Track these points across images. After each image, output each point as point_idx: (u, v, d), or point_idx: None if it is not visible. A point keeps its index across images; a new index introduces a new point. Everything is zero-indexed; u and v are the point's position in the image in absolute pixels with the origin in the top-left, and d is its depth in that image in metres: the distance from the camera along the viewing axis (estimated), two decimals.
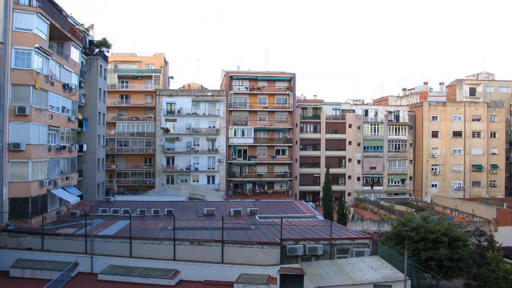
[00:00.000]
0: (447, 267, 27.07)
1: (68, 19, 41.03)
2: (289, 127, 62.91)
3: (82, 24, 47.97)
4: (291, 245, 23.41)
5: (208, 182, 60.40)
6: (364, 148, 68.01)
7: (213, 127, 61.15)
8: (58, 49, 35.86)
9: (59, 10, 38.00)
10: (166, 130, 60.17)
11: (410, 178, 69.67)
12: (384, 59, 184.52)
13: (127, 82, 67.54)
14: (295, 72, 63.58)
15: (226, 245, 23.78)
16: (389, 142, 68.89)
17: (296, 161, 64.39)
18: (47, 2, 34.10)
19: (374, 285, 19.60)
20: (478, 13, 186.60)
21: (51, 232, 26.04)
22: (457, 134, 68.76)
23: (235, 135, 62.10)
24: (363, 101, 79.89)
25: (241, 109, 62.57)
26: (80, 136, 45.02)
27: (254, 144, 62.28)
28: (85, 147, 44.51)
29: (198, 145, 60.66)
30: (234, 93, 62.59)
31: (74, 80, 38.51)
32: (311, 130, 66.90)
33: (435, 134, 68.44)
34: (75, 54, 38.92)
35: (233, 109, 62.06)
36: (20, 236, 25.77)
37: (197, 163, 60.38)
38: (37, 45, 30.24)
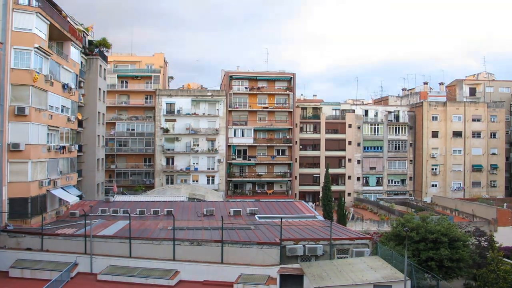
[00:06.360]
0: (447, 267, 27.06)
1: (68, 19, 40.98)
2: (289, 127, 62.89)
3: (82, 24, 47.95)
4: (291, 245, 23.36)
5: (208, 182, 60.42)
6: (364, 148, 68.03)
7: (213, 127, 61.11)
8: (58, 49, 35.82)
9: (59, 10, 37.94)
10: (166, 130, 60.18)
11: (410, 178, 69.69)
12: (384, 59, 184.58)
13: (126, 82, 67.51)
14: (295, 72, 63.79)
15: (226, 245, 23.72)
16: (389, 142, 68.93)
17: (296, 161, 64.37)
18: (47, 2, 34.04)
19: (374, 285, 19.55)
20: (478, 13, 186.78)
21: (51, 232, 25.97)
22: (457, 134, 68.79)
23: (234, 135, 62.08)
24: (363, 101, 79.85)
25: (241, 109, 62.57)
26: (80, 136, 44.99)
27: (253, 144, 62.28)
28: (85, 147, 44.46)
29: (198, 145, 60.65)
30: (234, 93, 62.60)
31: (73, 80, 38.45)
32: (311, 130, 66.90)
33: (435, 134, 68.45)
34: (74, 54, 38.86)
35: (233, 109, 62.05)
36: (19, 236, 25.70)
37: (197, 163, 60.39)
38: (36, 45, 30.17)
